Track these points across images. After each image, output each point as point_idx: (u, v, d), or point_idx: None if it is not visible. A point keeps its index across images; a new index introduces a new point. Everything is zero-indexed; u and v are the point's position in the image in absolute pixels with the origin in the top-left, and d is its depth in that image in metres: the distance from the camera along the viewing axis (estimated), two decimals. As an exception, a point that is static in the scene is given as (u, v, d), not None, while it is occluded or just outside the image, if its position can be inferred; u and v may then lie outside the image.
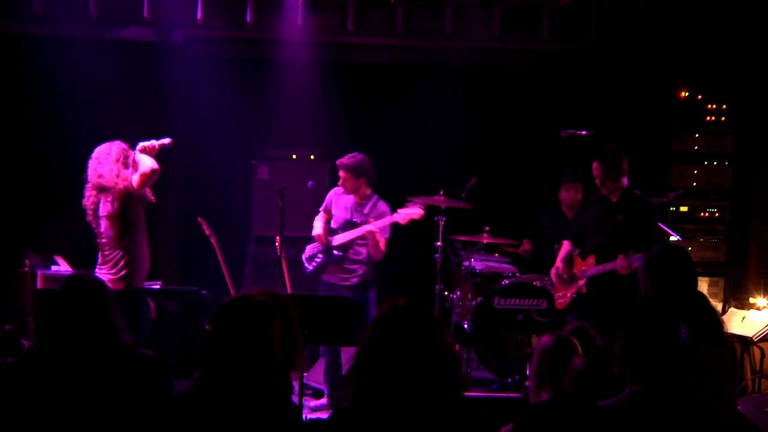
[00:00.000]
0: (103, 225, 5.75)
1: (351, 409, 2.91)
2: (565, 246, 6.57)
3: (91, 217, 5.80)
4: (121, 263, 5.72)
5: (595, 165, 6.25)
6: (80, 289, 3.50)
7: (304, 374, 6.40)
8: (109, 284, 5.52)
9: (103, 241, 5.77)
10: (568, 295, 6.47)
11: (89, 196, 5.79)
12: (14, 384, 3.35)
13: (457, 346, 7.57)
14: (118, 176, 5.70)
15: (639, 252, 5.89)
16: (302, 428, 3.15)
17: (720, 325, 4.07)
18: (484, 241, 7.64)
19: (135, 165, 5.76)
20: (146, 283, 6.41)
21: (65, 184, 6.56)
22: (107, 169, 5.72)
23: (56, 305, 3.47)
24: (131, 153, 5.81)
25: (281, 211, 6.56)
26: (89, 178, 5.78)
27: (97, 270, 5.76)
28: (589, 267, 6.33)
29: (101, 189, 5.73)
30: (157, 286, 7.07)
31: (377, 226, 6.82)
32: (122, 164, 5.75)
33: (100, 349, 3.39)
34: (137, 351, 3.48)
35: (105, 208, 5.72)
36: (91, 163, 5.79)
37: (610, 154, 6.22)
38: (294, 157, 8.21)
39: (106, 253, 5.77)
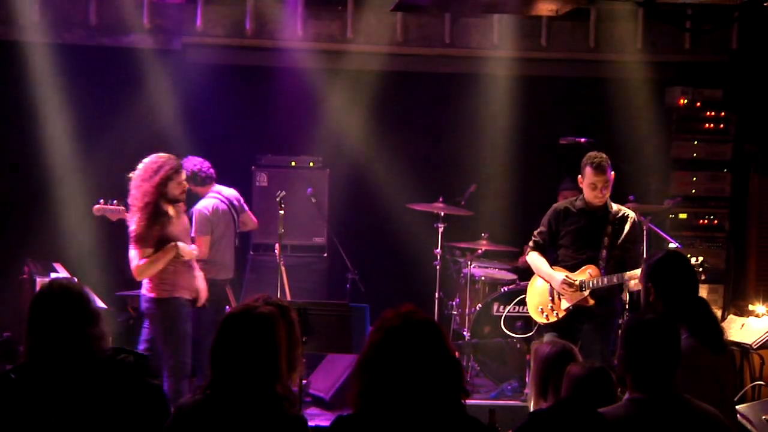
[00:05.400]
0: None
1: (353, 416, 2.90)
2: (540, 257, 6.05)
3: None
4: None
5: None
6: (43, 300, 3.38)
7: (304, 381, 6.40)
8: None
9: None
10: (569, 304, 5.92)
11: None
12: None
13: (456, 353, 7.56)
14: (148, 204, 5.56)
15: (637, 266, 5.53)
16: None
17: (720, 331, 4.07)
18: (483, 248, 7.65)
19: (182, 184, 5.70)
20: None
21: (65, 191, 6.60)
22: (141, 192, 5.59)
23: (28, 318, 3.37)
24: (179, 173, 5.71)
25: (281, 218, 6.57)
26: (130, 187, 5.68)
27: None
28: (590, 278, 5.81)
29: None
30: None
31: None
32: (164, 185, 5.61)
33: (68, 359, 3.29)
34: (116, 358, 3.36)
35: (131, 225, 5.67)
36: (137, 172, 5.66)
37: (609, 163, 5.84)
38: (293, 164, 8.21)
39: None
